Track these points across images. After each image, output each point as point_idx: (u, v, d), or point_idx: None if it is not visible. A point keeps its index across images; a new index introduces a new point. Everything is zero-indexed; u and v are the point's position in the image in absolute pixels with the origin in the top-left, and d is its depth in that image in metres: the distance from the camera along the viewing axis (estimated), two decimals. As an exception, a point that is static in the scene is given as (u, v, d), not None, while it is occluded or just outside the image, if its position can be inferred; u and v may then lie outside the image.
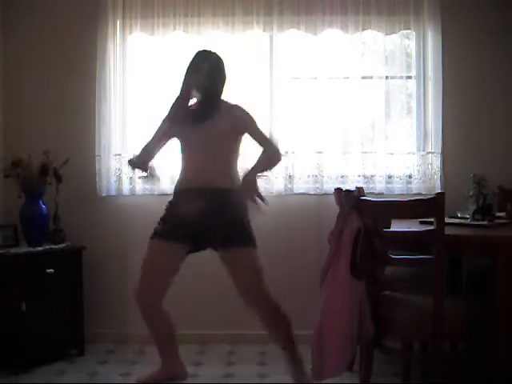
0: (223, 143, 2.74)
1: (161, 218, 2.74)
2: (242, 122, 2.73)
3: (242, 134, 2.76)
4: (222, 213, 2.63)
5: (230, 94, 3.49)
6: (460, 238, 2.50)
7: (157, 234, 2.70)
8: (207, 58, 2.76)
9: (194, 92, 2.73)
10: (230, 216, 2.63)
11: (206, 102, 2.74)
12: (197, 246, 2.72)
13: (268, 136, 2.75)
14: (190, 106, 2.79)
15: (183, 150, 2.81)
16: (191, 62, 2.75)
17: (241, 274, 2.66)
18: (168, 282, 2.69)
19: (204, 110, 2.73)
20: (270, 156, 2.70)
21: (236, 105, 2.77)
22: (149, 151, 2.83)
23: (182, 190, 2.76)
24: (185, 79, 2.74)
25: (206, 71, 2.71)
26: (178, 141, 2.83)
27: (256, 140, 2.74)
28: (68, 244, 3.45)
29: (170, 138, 2.85)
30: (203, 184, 2.65)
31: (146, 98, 3.68)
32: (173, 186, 3.59)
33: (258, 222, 3.60)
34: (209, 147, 2.70)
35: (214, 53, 2.79)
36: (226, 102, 2.78)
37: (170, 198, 2.81)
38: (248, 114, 2.75)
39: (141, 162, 2.82)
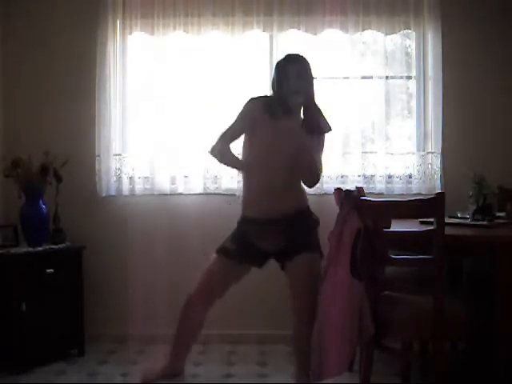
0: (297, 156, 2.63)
1: (231, 235, 2.75)
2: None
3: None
4: (293, 235, 2.63)
5: (230, 93, 3.52)
6: (460, 238, 2.50)
7: (222, 251, 2.73)
8: (301, 61, 2.69)
9: (290, 95, 2.61)
10: (300, 234, 2.64)
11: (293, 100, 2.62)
12: (262, 264, 2.76)
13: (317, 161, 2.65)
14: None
15: (251, 150, 2.69)
16: (286, 64, 2.66)
17: (301, 278, 2.63)
18: (219, 297, 2.78)
19: (288, 106, 2.62)
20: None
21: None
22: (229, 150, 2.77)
23: (251, 218, 2.69)
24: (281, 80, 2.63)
25: (302, 75, 2.65)
26: (248, 139, 2.72)
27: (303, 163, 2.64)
28: (68, 244, 3.44)
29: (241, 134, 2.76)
30: (273, 214, 2.61)
31: (146, 98, 3.67)
32: (173, 187, 3.64)
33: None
34: (282, 162, 2.60)
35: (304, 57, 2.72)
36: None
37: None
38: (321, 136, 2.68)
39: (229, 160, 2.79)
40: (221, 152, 2.76)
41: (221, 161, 2.83)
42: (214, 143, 2.76)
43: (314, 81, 2.73)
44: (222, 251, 2.73)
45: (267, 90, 3.09)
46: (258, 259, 2.72)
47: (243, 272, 2.77)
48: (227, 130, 2.75)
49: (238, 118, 2.74)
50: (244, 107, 2.73)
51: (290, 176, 2.65)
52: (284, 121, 2.61)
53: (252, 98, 2.73)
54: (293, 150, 2.60)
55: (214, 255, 2.75)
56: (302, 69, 2.66)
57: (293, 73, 2.63)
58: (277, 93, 2.67)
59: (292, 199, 2.67)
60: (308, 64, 2.69)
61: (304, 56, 2.72)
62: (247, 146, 2.73)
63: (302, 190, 2.74)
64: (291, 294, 2.65)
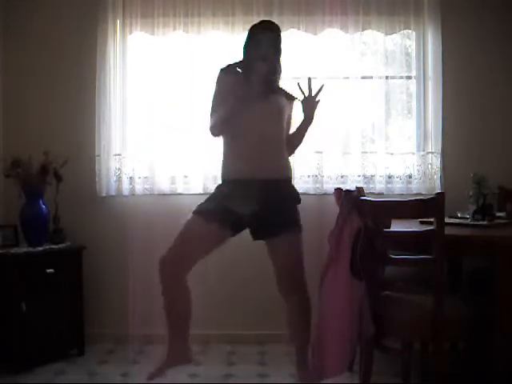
0: (280, 122, 2.67)
1: (209, 197, 2.65)
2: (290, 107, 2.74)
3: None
4: (275, 205, 2.55)
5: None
6: (460, 238, 2.50)
7: (198, 212, 2.59)
8: (273, 29, 2.69)
9: (261, 64, 2.59)
10: (283, 207, 2.58)
11: (270, 75, 2.63)
12: (239, 231, 2.64)
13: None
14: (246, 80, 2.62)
15: (236, 129, 2.60)
16: (259, 32, 2.65)
17: (286, 258, 2.60)
18: (196, 258, 2.58)
19: (268, 84, 2.64)
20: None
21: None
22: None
23: (234, 180, 2.60)
24: (251, 50, 2.64)
25: (273, 43, 2.67)
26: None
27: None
28: (68, 244, 3.45)
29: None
30: (258, 174, 2.55)
31: (146, 98, 3.67)
32: (173, 187, 3.64)
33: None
34: (267, 127, 2.59)
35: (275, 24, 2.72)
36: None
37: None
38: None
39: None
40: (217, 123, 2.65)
41: (222, 129, 2.64)
42: (210, 124, 2.65)
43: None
44: (197, 212, 2.59)
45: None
46: (232, 223, 2.56)
47: (219, 236, 2.59)
48: (214, 106, 2.67)
49: (219, 92, 2.66)
50: (221, 82, 2.66)
51: (278, 142, 2.64)
52: (269, 95, 2.64)
53: (223, 70, 2.67)
54: (280, 119, 2.65)
55: (191, 216, 2.59)
56: (272, 37, 2.67)
57: (263, 41, 2.64)
58: (247, 60, 2.66)
59: (280, 165, 2.63)
60: (279, 32, 2.71)
61: (276, 24, 2.73)
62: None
63: (288, 159, 2.70)
64: (274, 266, 2.62)
